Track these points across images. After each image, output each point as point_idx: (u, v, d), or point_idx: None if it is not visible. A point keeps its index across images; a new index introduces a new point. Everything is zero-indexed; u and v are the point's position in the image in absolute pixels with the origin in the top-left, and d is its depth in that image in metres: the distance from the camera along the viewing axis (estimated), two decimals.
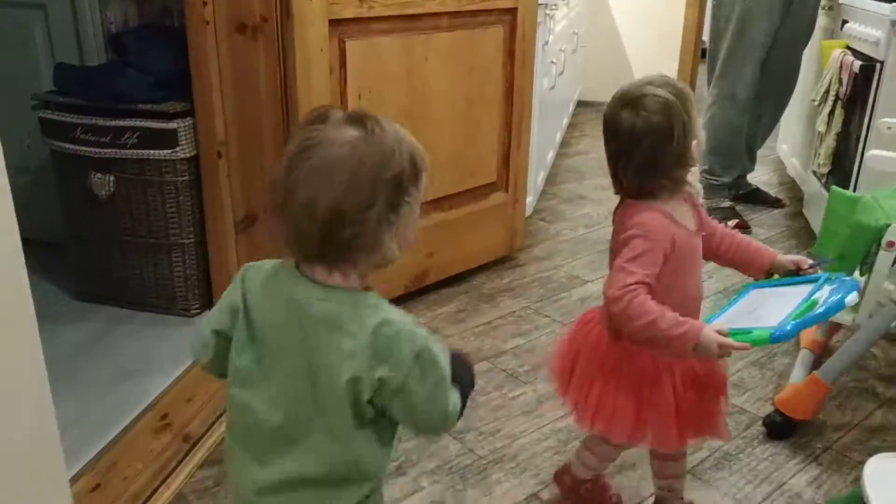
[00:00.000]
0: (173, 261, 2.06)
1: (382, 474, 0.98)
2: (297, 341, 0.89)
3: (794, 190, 3.47)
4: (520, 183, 2.55)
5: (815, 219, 2.88)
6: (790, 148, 3.43)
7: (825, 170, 2.65)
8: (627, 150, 1.18)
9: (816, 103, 2.69)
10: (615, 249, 1.22)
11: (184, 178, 1.99)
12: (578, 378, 1.30)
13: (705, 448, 1.69)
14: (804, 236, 2.93)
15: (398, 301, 2.28)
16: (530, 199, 2.77)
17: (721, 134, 3.01)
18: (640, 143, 1.16)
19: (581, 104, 5.13)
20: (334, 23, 1.88)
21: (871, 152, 1.56)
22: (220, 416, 1.71)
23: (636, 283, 1.13)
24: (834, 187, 1.91)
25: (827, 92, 2.61)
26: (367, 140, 0.86)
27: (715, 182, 3.08)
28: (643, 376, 1.24)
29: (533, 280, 2.51)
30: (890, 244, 1.59)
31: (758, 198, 3.27)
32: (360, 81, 1.97)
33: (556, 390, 1.37)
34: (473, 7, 2.20)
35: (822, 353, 2.06)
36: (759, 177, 3.70)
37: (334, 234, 0.84)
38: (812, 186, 2.92)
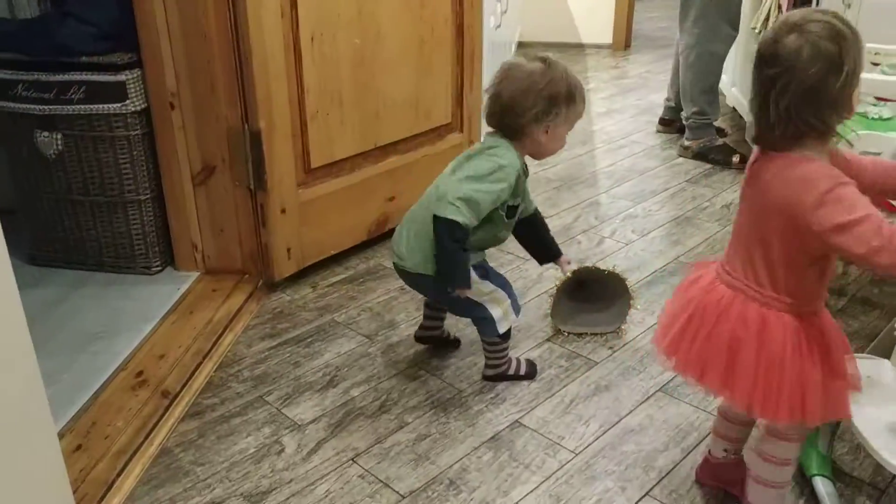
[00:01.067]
0: (130, 218, 2.02)
1: None
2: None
3: (734, 119, 3.56)
4: (474, 123, 2.55)
5: None
6: (729, 78, 3.50)
7: None
8: (786, 78, 1.03)
9: (757, 31, 2.75)
10: (800, 213, 1.04)
11: (136, 132, 1.93)
12: (748, 371, 1.12)
13: None
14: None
15: (362, 247, 2.29)
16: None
17: (713, 69, 3.02)
18: (805, 70, 1.01)
19: (522, 45, 5.13)
20: None
21: None
22: (196, 369, 1.70)
23: (880, 222, 0.99)
24: None
25: (767, 18, 2.67)
26: (542, 70, 1.47)
27: (707, 122, 3.08)
28: (830, 344, 1.14)
29: None
30: None
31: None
32: (312, 23, 1.93)
33: (713, 393, 1.25)
34: None
35: None
36: None
37: (507, 116, 1.48)
38: None
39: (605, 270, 1.84)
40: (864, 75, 1.78)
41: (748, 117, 3.20)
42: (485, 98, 1.55)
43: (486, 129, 1.58)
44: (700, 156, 3.07)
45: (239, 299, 1.98)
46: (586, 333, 1.88)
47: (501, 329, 1.62)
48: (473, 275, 1.55)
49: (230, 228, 2.03)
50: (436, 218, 1.46)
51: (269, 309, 2.00)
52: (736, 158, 2.98)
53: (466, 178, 1.48)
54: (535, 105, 1.44)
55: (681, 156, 3.13)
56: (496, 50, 3.21)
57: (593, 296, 1.91)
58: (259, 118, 1.88)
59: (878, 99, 1.74)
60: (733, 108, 3.59)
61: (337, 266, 2.21)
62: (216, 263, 2.08)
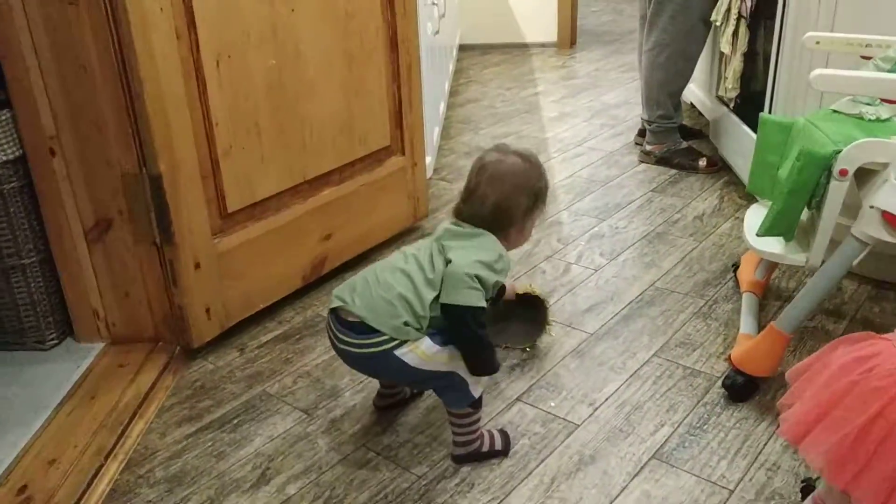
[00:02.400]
0: (14, 286, 1.69)
1: None
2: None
3: (693, 117, 3.35)
4: (416, 143, 2.28)
5: (725, 147, 2.75)
6: None
7: (734, 94, 2.51)
8: None
9: (718, 23, 2.53)
10: None
11: (11, 185, 1.61)
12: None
13: (667, 424, 1.50)
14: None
15: (297, 296, 1.99)
16: (429, 160, 2.50)
17: (684, 72, 2.78)
18: None
19: (462, 48, 4.87)
20: None
21: (817, 72, 1.38)
22: (96, 474, 1.39)
23: None
24: (764, 114, 1.74)
25: (728, 10, 2.45)
26: (525, 166, 1.38)
27: (672, 125, 2.84)
28: None
29: None
30: (843, 172, 1.42)
31: (683, 132, 3.00)
32: (217, 45, 1.64)
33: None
34: None
35: (764, 295, 1.92)
36: None
37: (499, 218, 1.36)
38: (718, 112, 2.78)
39: (532, 294, 1.74)
40: (856, 73, 1.56)
41: (709, 114, 3.02)
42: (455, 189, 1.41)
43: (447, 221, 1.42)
44: (664, 161, 2.84)
45: (151, 374, 1.67)
46: (499, 345, 1.74)
47: (476, 392, 1.36)
48: (434, 346, 1.30)
49: (136, 290, 1.72)
50: (453, 307, 1.29)
51: (189, 383, 1.69)
52: (702, 162, 2.76)
53: (477, 263, 1.31)
54: (523, 203, 1.37)
55: (643, 161, 2.90)
56: (436, 57, 2.94)
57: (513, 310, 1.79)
58: (158, 160, 1.58)
59: (885, 100, 1.51)
60: (691, 103, 3.38)
61: (268, 321, 1.91)
62: (123, 331, 1.76)
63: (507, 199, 1.35)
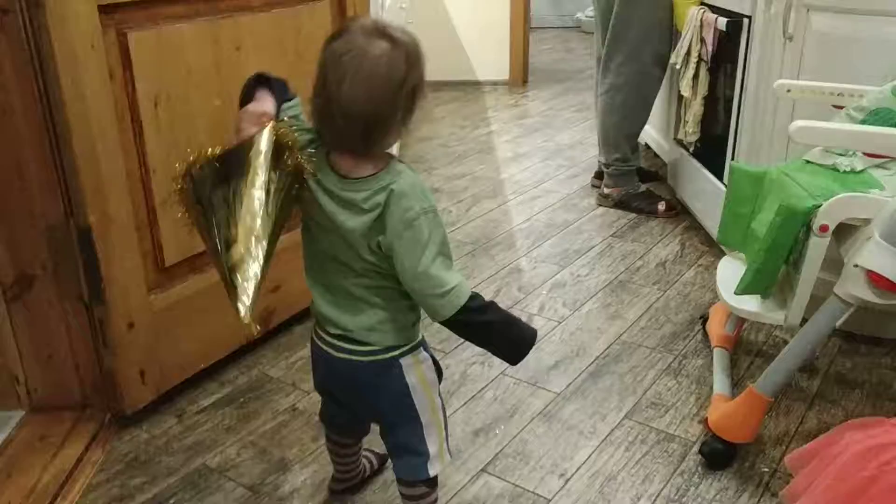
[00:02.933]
0: None
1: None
2: (337, 215, 1.08)
3: (648, 158, 3.32)
4: None
5: (684, 190, 2.70)
6: None
7: (694, 137, 2.46)
8: None
9: (678, 66, 2.49)
10: None
11: None
12: None
13: (644, 497, 1.40)
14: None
15: (241, 354, 1.85)
16: None
17: (641, 115, 2.74)
18: None
19: None
20: (108, 9, 1.40)
21: (797, 124, 1.32)
22: None
23: None
24: (735, 164, 1.68)
25: (688, 53, 2.41)
26: (395, 52, 1.02)
27: (630, 168, 2.78)
28: None
29: None
30: (823, 229, 1.35)
31: (640, 174, 2.92)
32: (154, 84, 1.50)
33: None
34: None
35: (735, 349, 1.85)
36: None
37: (370, 131, 1.03)
38: (676, 155, 2.74)
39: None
40: (838, 126, 1.51)
41: (667, 157, 2.98)
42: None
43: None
44: (622, 204, 2.78)
45: (77, 447, 1.50)
46: None
47: (433, 470, 1.20)
48: (431, 370, 1.20)
49: (61, 353, 1.55)
50: (452, 320, 1.08)
51: (120, 456, 1.52)
52: (661, 206, 2.71)
53: (439, 256, 1.07)
54: (401, 101, 1.03)
55: (601, 205, 2.83)
56: None
57: None
58: (88, 211, 1.43)
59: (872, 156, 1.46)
60: (647, 145, 3.34)
61: (210, 382, 1.76)
62: (46, 398, 1.59)
63: (377, 108, 1.01)
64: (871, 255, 1.30)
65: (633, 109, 2.70)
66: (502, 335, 1.15)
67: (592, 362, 1.83)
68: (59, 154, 1.40)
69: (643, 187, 2.80)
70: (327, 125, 1.05)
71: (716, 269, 1.67)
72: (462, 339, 1.87)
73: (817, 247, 1.37)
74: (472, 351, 1.87)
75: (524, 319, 2.00)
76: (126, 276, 1.52)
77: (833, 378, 1.75)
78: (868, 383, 1.73)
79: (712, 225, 2.40)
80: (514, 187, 3.05)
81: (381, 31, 1.03)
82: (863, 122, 1.55)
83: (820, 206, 1.36)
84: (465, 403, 1.68)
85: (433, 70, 4.15)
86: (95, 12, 1.36)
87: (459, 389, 1.74)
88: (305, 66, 1.83)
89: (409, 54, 1.03)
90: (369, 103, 1.01)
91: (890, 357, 1.83)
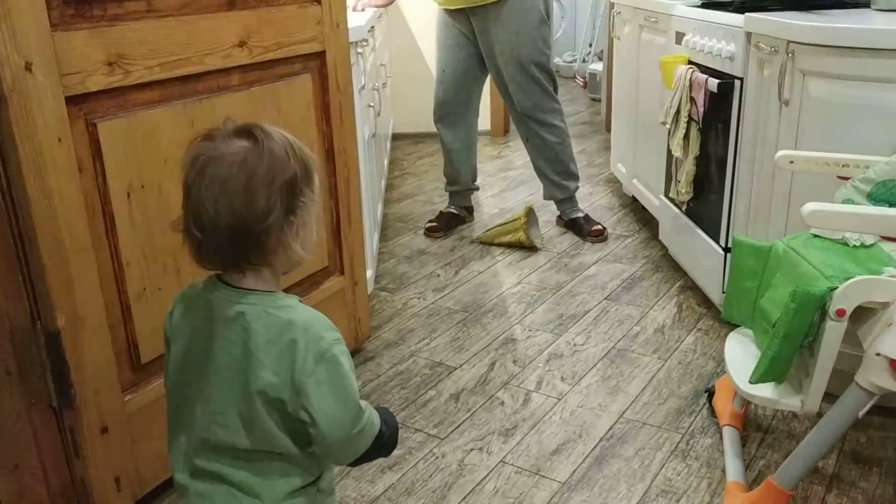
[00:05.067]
0: None
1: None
2: (213, 343, 0.96)
3: (637, 211, 3.27)
4: (357, 260, 2.08)
5: (676, 247, 2.64)
6: (630, 169, 3.21)
7: (686, 197, 2.41)
8: None
9: (667, 125, 2.44)
10: None
11: None
12: None
13: None
14: (667, 267, 2.69)
15: None
16: (370, 273, 2.30)
17: (569, 140, 3.06)
18: None
19: (396, 137, 4.75)
20: (76, 100, 1.32)
21: (810, 207, 1.26)
22: None
23: None
24: (738, 237, 1.61)
25: (678, 113, 2.36)
26: (257, 150, 0.93)
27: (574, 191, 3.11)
28: None
29: (390, 379, 2.04)
30: (840, 313, 1.28)
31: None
32: (127, 174, 1.42)
33: None
34: (271, 56, 1.70)
35: (745, 427, 1.76)
36: (599, 199, 3.48)
37: (241, 242, 0.93)
38: (669, 213, 2.68)
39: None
40: (853, 209, 1.43)
41: (657, 214, 2.92)
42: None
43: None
44: (574, 224, 3.09)
45: None
46: None
47: None
48: None
49: (29, 462, 1.44)
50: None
51: None
52: (595, 228, 3.01)
53: (329, 383, 0.93)
54: (273, 203, 0.91)
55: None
56: (373, 158, 2.76)
57: None
58: (56, 313, 1.33)
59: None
60: (633, 197, 3.30)
61: None
62: None
63: (237, 212, 0.90)
64: (893, 342, 1.23)
65: (567, 138, 3.08)
66: (391, 444, 1.07)
67: (596, 445, 1.74)
68: (24, 253, 1.30)
69: (583, 212, 3.13)
70: (193, 238, 0.94)
71: (715, 332, 1.60)
72: (458, 423, 1.79)
73: (834, 331, 1.30)
74: (469, 436, 1.78)
75: (522, 397, 1.93)
76: (98, 377, 1.42)
77: (849, 456, 1.67)
78: (886, 461, 1.65)
79: (707, 285, 2.34)
80: (502, 246, 2.97)
81: (242, 131, 0.94)
82: (870, 194, 1.50)
83: (835, 289, 1.29)
84: (464, 498, 1.58)
85: (416, 122, 4.23)
86: (62, 104, 1.28)
87: (458, 481, 1.63)
88: None
89: (273, 150, 0.93)
90: (229, 210, 0.90)
91: None
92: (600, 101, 5.24)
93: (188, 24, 1.50)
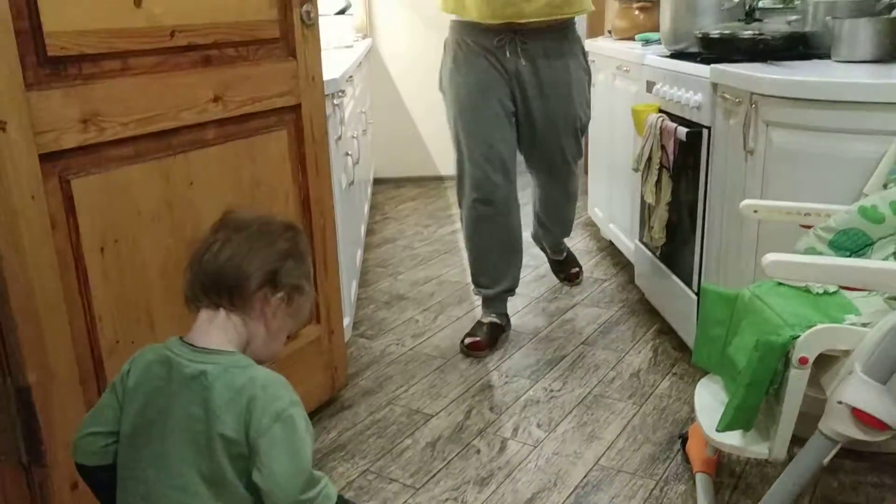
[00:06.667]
0: None
1: None
2: (171, 402, 0.98)
3: (615, 255, 3.30)
4: (333, 309, 2.09)
5: (651, 290, 2.68)
6: (606, 213, 3.26)
7: (660, 242, 2.44)
8: None
9: (639, 172, 2.49)
10: None
11: None
12: None
13: None
14: (643, 311, 2.71)
15: None
16: (347, 321, 2.31)
17: None
18: None
19: (377, 181, 4.79)
20: (50, 157, 1.33)
21: (770, 258, 1.29)
22: None
23: None
24: (706, 285, 1.64)
25: (650, 160, 2.41)
26: (285, 226, 1.13)
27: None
28: None
29: (366, 428, 2.04)
30: (803, 361, 1.31)
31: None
32: (101, 230, 1.43)
33: None
34: (247, 110, 1.73)
35: (718, 473, 1.77)
36: (576, 243, 3.52)
37: (223, 278, 1.04)
38: (644, 257, 2.72)
39: None
40: (813, 259, 1.47)
41: (632, 257, 2.96)
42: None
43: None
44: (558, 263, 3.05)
45: None
46: None
47: None
48: None
49: None
50: None
51: None
52: (575, 270, 3.03)
53: (282, 443, 0.94)
54: (261, 267, 1.06)
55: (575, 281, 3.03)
56: (352, 205, 2.79)
57: None
58: (27, 369, 1.33)
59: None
60: (610, 241, 3.34)
61: None
62: None
63: (240, 256, 1.05)
64: (854, 390, 1.25)
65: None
66: None
67: (571, 493, 1.74)
68: None
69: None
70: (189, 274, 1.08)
71: (690, 376, 1.62)
72: (434, 472, 1.79)
73: (797, 379, 1.32)
74: (444, 485, 1.77)
75: (498, 444, 1.94)
76: (69, 433, 1.40)
77: (821, 501, 1.68)
78: (856, 503, 1.67)
79: (682, 328, 2.36)
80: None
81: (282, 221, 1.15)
82: (831, 242, 1.54)
83: (798, 337, 1.32)
84: None
85: (397, 166, 4.23)
86: (36, 162, 1.30)
87: None
88: (261, 193, 1.80)
89: (299, 237, 1.14)
90: (230, 255, 1.05)
91: (875, 473, 1.77)
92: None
93: (163, 81, 1.53)
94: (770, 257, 1.29)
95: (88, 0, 1.37)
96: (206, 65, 1.63)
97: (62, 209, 1.37)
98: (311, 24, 1.87)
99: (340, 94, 2.35)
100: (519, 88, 2.34)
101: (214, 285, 1.05)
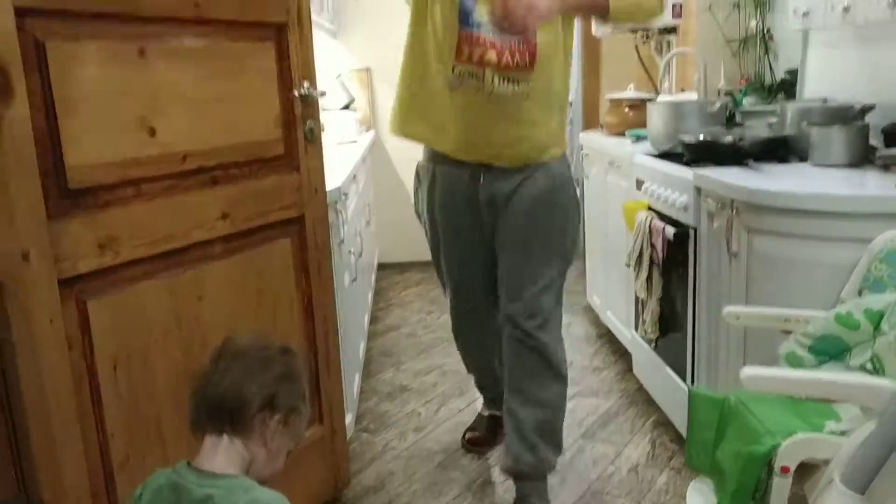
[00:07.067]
0: None
1: None
2: None
3: (613, 342, 3.36)
4: (335, 409, 2.14)
5: (648, 379, 2.73)
6: (604, 302, 3.33)
7: (653, 336, 2.51)
8: None
9: (631, 267, 2.57)
10: None
11: None
12: None
13: None
14: (641, 402, 2.76)
15: None
16: (349, 418, 2.37)
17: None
18: None
19: (381, 267, 4.89)
20: (68, 282, 1.42)
21: (747, 372, 1.35)
22: None
23: None
24: (693, 389, 1.70)
25: (640, 256, 2.50)
26: (281, 350, 1.27)
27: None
28: None
29: None
30: (784, 469, 1.36)
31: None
32: (113, 347, 1.51)
33: None
34: (252, 224, 1.83)
35: None
36: (577, 329, 3.57)
37: (224, 404, 1.16)
38: (640, 348, 2.78)
39: None
40: (786, 373, 1.53)
41: (629, 346, 3.01)
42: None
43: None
44: None
45: None
46: None
47: None
48: None
49: None
50: None
51: None
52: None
53: None
54: (258, 393, 1.18)
55: None
56: (355, 298, 2.87)
57: None
58: (42, 488, 1.39)
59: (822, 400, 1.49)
60: (609, 329, 3.40)
61: None
62: None
63: (239, 383, 1.17)
64: (833, 501, 1.30)
65: None
66: None
67: None
68: (15, 437, 1.38)
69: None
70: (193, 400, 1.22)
71: (687, 471, 1.65)
72: None
73: (781, 486, 1.37)
74: None
75: None
76: None
77: None
78: None
79: (679, 421, 2.40)
80: None
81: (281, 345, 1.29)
82: (811, 347, 1.60)
83: (779, 446, 1.37)
84: None
85: (400, 251, 4.26)
86: (55, 288, 1.39)
87: None
88: (266, 301, 1.88)
89: (293, 361, 1.27)
90: (231, 380, 1.17)
91: None
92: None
93: (174, 203, 1.63)
94: (747, 371, 1.36)
95: (108, 134, 1.48)
96: (214, 184, 1.74)
97: (78, 329, 1.45)
98: (314, 139, 1.99)
99: (343, 196, 2.45)
100: (494, 218, 2.06)
101: (217, 412, 1.15)
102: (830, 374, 1.45)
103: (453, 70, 1.91)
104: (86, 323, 1.47)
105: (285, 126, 1.92)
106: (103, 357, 1.49)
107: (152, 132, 1.57)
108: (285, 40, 1.86)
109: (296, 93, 1.89)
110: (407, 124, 2.10)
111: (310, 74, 1.94)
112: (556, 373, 2.04)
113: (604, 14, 1.92)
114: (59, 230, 1.40)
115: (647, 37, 4.00)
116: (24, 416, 1.37)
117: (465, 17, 1.88)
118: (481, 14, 1.86)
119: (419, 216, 2.30)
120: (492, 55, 1.87)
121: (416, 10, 1.97)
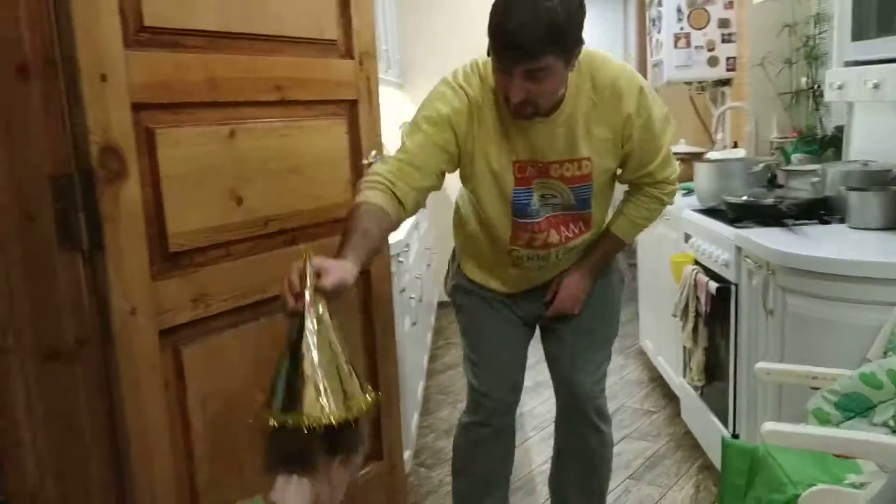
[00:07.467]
0: None
1: None
2: None
3: (664, 386, 3.45)
4: (395, 447, 2.32)
5: (694, 424, 2.83)
6: (656, 347, 3.44)
7: (700, 384, 2.62)
8: None
9: (677, 318, 2.69)
10: None
11: None
12: None
13: None
14: (688, 446, 2.85)
15: None
16: (407, 454, 2.54)
17: None
18: None
19: (440, 305, 5.06)
20: (166, 332, 1.65)
21: (768, 427, 1.48)
22: None
23: None
24: (727, 440, 1.82)
25: (686, 307, 2.62)
26: None
27: None
28: None
29: None
30: None
31: None
32: (203, 388, 1.73)
33: None
34: None
35: None
36: (628, 373, 3.68)
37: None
38: (688, 395, 2.88)
39: None
40: (807, 430, 1.63)
41: (678, 391, 3.10)
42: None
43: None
44: None
45: None
46: None
47: None
48: None
49: None
50: None
51: None
52: None
53: None
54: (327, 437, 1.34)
55: None
56: (414, 341, 3.06)
57: None
58: None
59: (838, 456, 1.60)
60: (659, 373, 3.49)
61: None
62: None
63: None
64: None
65: None
66: None
67: None
68: (119, 464, 1.59)
69: None
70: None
71: None
72: None
73: None
74: None
75: None
76: None
77: None
78: None
79: None
80: (535, 421, 3.18)
81: None
82: (836, 403, 1.71)
83: (800, 496, 1.49)
84: None
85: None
86: (156, 338, 1.61)
87: None
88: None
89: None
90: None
91: None
92: (635, 265, 5.52)
93: (257, 261, 1.84)
94: (768, 426, 1.48)
95: (202, 204, 1.71)
96: (292, 244, 1.95)
97: (173, 373, 1.67)
98: None
99: (406, 248, 2.65)
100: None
101: (288, 458, 1.32)
102: (847, 433, 1.56)
103: (510, 253, 1.92)
104: (180, 367, 1.68)
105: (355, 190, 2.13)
106: (193, 397, 1.71)
107: (239, 201, 1.79)
108: (356, 114, 2.08)
109: (365, 161, 2.10)
110: (462, 260, 2.18)
111: (377, 144, 2.15)
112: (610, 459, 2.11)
113: (624, 247, 1.98)
114: (160, 289, 1.62)
115: (703, 88, 4.13)
116: (127, 443, 1.59)
117: (519, 211, 1.84)
118: (535, 203, 1.82)
119: (451, 300, 2.23)
120: (554, 237, 1.86)
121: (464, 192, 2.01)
